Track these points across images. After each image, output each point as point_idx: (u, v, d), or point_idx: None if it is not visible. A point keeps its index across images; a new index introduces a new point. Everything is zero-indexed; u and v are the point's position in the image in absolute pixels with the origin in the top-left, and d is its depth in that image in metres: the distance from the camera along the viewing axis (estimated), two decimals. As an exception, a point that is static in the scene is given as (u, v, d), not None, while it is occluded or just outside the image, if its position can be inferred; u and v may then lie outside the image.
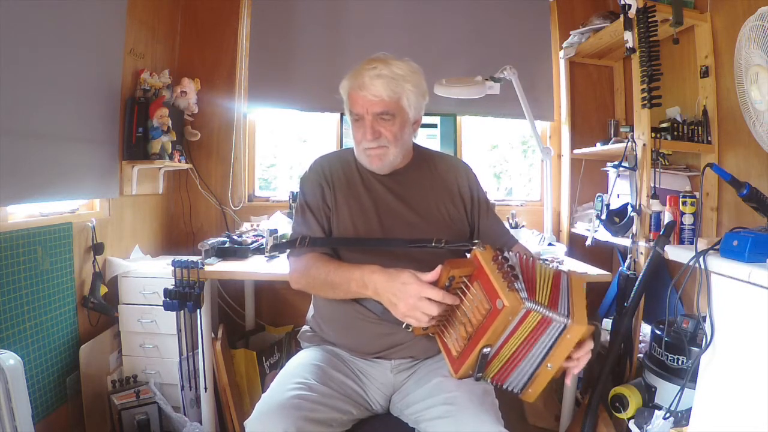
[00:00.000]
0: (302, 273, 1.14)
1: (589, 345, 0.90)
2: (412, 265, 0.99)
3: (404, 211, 1.17)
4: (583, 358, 0.91)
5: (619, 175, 2.06)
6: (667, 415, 1.36)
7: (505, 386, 0.94)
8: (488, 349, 0.86)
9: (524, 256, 0.96)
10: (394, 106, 1.11)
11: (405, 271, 0.95)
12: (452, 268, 0.91)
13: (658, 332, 1.58)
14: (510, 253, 0.94)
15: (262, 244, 1.93)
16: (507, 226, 1.49)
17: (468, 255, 0.98)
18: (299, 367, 1.09)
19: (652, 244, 1.72)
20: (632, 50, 1.82)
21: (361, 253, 1.13)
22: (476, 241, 0.96)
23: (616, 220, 1.99)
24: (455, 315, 0.93)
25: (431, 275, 0.93)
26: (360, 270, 1.02)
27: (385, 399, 1.15)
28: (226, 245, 1.87)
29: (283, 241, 1.87)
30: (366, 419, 1.12)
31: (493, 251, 0.92)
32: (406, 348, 1.12)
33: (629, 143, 1.88)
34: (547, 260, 1.89)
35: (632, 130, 1.93)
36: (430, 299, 0.91)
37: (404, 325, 0.99)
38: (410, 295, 0.92)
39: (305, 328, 1.28)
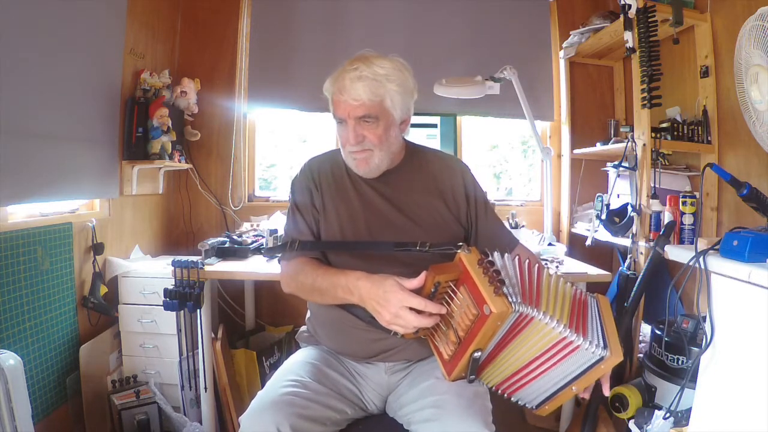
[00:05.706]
0: (292, 277, 1.13)
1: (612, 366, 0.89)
2: (400, 269, 0.97)
3: (393, 214, 1.14)
4: (607, 378, 0.91)
5: (619, 175, 2.05)
6: (667, 415, 1.36)
7: (515, 400, 0.92)
8: (479, 353, 0.85)
9: (526, 261, 0.93)
10: (377, 109, 1.05)
11: (389, 278, 0.92)
12: (437, 274, 0.88)
13: (658, 332, 1.57)
14: (497, 255, 0.91)
15: (262, 244, 1.93)
16: (507, 226, 1.45)
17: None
18: (295, 365, 1.10)
19: (652, 244, 1.71)
20: (632, 50, 1.82)
21: (349, 257, 1.11)
22: (460, 244, 0.92)
23: (616, 220, 1.99)
24: (444, 319, 0.91)
25: (416, 282, 0.90)
26: (346, 276, 1.00)
27: (380, 399, 1.14)
28: (226, 245, 1.87)
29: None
30: (361, 419, 1.12)
31: (478, 254, 0.88)
32: (399, 351, 1.11)
33: (629, 143, 1.88)
34: (547, 261, 1.89)
35: (632, 130, 1.92)
36: (412, 308, 0.88)
37: (392, 333, 0.98)
38: (393, 304, 0.89)
39: (303, 328, 1.29)
